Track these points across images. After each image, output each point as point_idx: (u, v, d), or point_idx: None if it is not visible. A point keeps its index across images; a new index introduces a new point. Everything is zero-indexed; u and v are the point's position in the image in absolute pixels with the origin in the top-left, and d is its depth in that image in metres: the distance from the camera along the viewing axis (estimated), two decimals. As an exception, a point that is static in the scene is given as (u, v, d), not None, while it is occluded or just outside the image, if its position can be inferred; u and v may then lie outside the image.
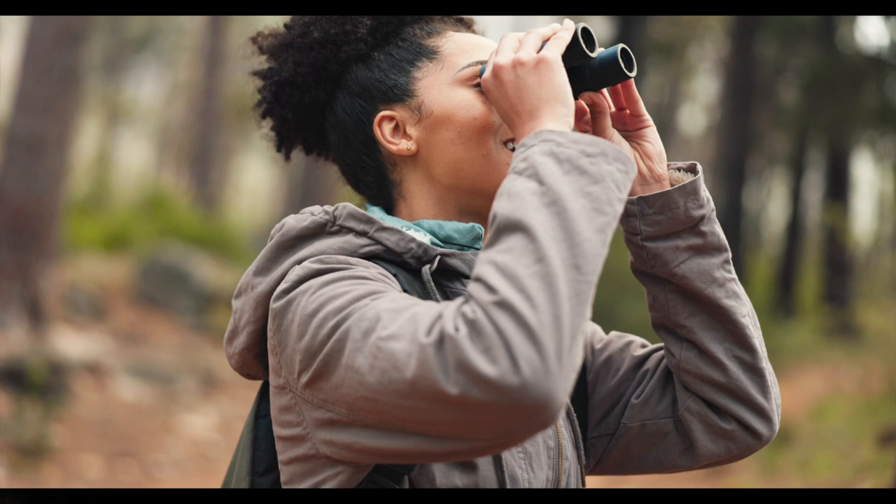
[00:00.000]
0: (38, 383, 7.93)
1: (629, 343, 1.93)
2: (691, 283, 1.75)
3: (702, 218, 1.75)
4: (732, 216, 16.95)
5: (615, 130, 1.78)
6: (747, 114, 17.82)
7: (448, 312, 1.39)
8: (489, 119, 1.75)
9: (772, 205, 32.21)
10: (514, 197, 1.45)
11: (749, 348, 1.75)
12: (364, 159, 1.85)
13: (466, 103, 1.74)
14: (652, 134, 1.79)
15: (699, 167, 1.78)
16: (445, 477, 1.61)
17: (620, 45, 1.71)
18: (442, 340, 1.37)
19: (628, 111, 1.79)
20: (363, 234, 1.70)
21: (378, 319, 1.45)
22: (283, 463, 1.65)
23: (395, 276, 1.67)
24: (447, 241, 1.77)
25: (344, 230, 1.70)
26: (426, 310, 1.43)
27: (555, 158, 1.48)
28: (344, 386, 1.46)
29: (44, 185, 10.30)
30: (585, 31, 1.70)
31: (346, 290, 1.53)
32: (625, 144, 1.77)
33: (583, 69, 1.71)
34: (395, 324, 1.43)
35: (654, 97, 15.59)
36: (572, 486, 1.77)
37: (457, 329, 1.36)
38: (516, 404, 1.33)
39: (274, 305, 1.60)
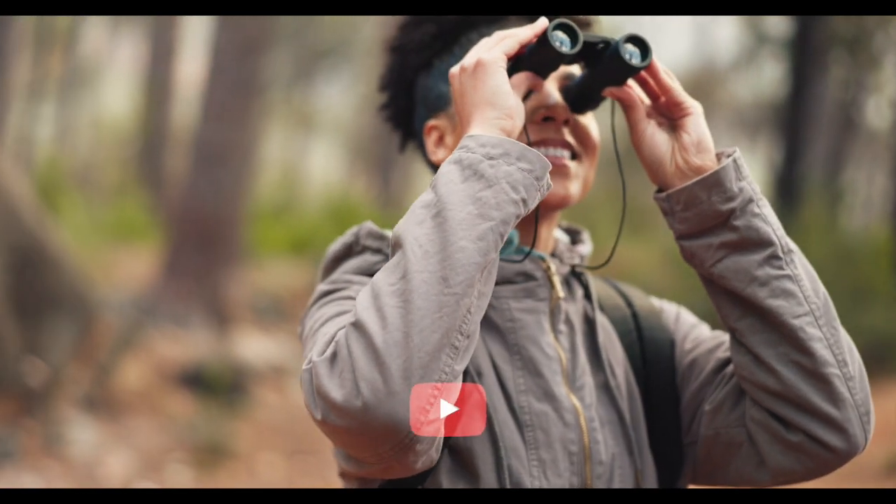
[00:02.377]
0: (221, 385, 8.14)
1: (719, 344, 1.79)
2: (729, 282, 1.61)
3: (731, 212, 1.59)
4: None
5: (651, 122, 1.67)
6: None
7: (338, 334, 1.43)
8: None
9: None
10: (409, 211, 1.47)
11: (806, 352, 1.58)
12: (429, 168, 1.85)
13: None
14: (690, 122, 1.65)
15: (732, 155, 1.63)
16: (451, 484, 1.61)
17: (625, 36, 1.63)
18: (311, 366, 1.42)
19: (664, 100, 1.68)
20: (378, 251, 1.72)
21: (315, 341, 1.50)
22: None
23: None
24: None
25: (364, 249, 1.73)
26: (331, 329, 1.48)
27: (459, 165, 1.48)
28: None
29: (228, 193, 10.60)
30: (564, 27, 1.61)
31: (326, 312, 1.59)
32: (657, 137, 1.66)
33: (597, 65, 1.66)
34: (313, 347, 1.47)
35: (838, 92, 15.05)
36: None
37: (321, 353, 1.41)
38: (363, 428, 1.36)
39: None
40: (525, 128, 1.67)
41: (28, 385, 7.02)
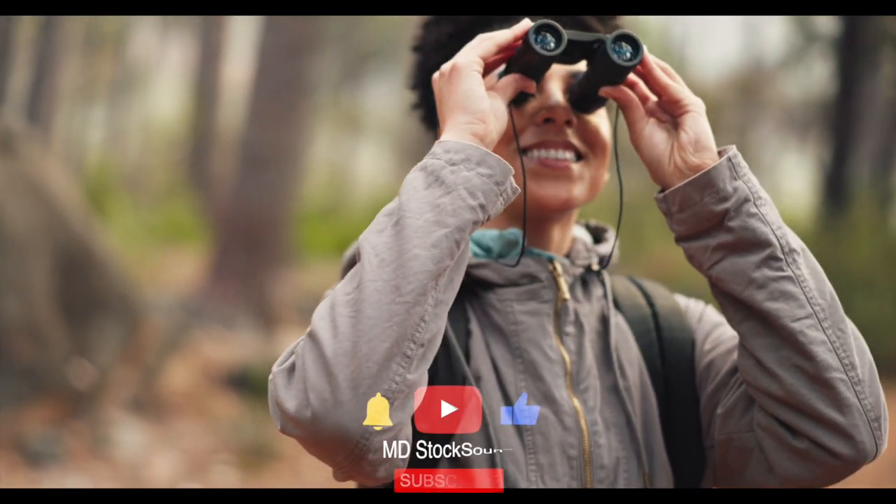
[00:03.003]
0: (267, 386, 8.13)
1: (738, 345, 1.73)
2: (727, 285, 1.55)
3: (725, 213, 1.53)
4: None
5: (650, 121, 1.63)
6: None
7: (298, 345, 1.44)
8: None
9: None
10: (375, 219, 1.47)
11: (807, 356, 1.50)
12: None
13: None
14: (688, 120, 1.59)
15: (728, 153, 1.57)
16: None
17: (614, 34, 1.59)
18: (272, 376, 1.44)
19: (663, 98, 1.64)
20: None
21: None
22: None
23: None
24: (489, 250, 1.76)
25: None
26: (299, 339, 1.47)
27: (424, 172, 1.48)
28: None
29: (275, 194, 10.63)
30: (547, 27, 1.57)
31: None
32: (655, 136, 1.62)
33: (593, 64, 1.63)
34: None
35: (888, 91, 14.88)
36: None
37: (282, 364, 1.43)
38: (314, 438, 1.38)
39: None
40: (515, 131, 1.67)
41: (75, 387, 7.06)
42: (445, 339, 1.65)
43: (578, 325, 1.73)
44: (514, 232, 1.75)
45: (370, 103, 35.01)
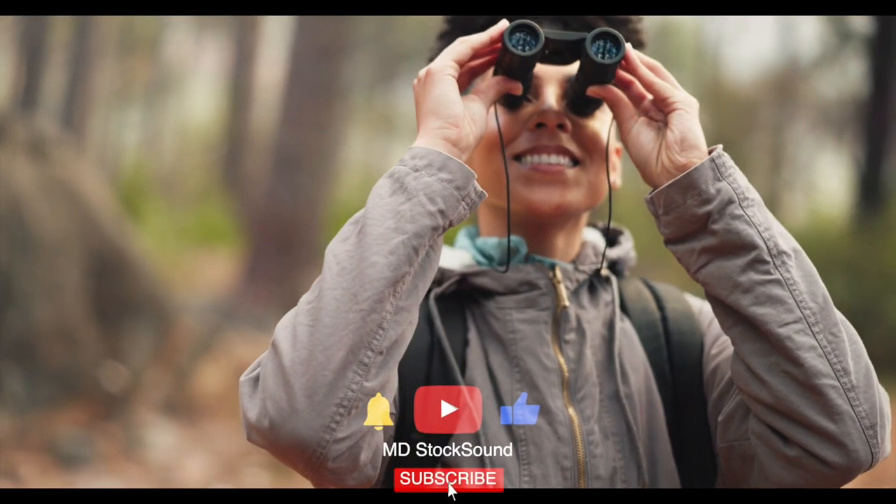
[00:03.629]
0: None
1: None
2: (714, 289, 1.51)
3: (708, 215, 1.49)
4: None
5: (640, 121, 1.59)
6: None
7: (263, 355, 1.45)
8: (494, 132, 1.69)
9: None
10: (343, 227, 1.48)
11: (795, 362, 1.45)
12: None
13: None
14: (675, 118, 1.54)
15: (713, 153, 1.52)
16: None
17: (594, 32, 1.57)
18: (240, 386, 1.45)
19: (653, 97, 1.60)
20: None
21: None
22: None
23: None
24: (491, 259, 1.75)
25: None
26: None
27: (391, 179, 1.48)
28: None
29: (308, 196, 10.66)
30: (524, 27, 1.56)
31: None
32: (643, 136, 1.58)
33: (580, 64, 1.61)
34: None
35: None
36: None
37: (249, 373, 1.44)
38: (274, 447, 1.38)
39: None
40: (500, 136, 1.67)
41: (107, 390, 7.09)
42: (441, 349, 1.65)
43: (580, 331, 1.70)
44: (514, 239, 1.74)
45: (404, 104, 35.01)
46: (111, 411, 7.04)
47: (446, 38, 1.79)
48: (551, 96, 1.69)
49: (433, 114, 1.53)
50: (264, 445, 1.40)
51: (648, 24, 1.83)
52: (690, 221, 1.51)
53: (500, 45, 1.57)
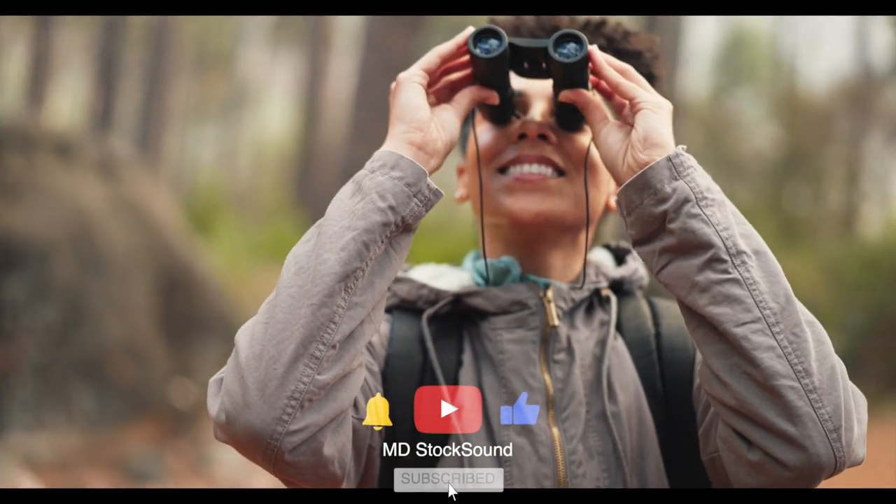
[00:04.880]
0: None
1: None
2: (674, 291, 1.49)
3: (664, 214, 1.47)
4: None
5: (610, 124, 1.58)
6: None
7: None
8: (484, 149, 1.73)
9: None
10: (308, 231, 1.52)
11: (752, 362, 1.41)
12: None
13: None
14: (639, 118, 1.53)
15: (669, 150, 1.50)
16: None
17: (556, 34, 1.58)
18: None
19: (621, 98, 1.60)
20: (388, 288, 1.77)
21: None
22: None
23: (392, 323, 1.74)
24: (486, 279, 1.76)
25: None
26: None
27: (353, 182, 1.52)
28: None
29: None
30: (488, 32, 1.59)
31: None
32: (611, 137, 1.56)
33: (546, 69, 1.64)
34: None
35: None
36: None
37: (218, 375, 1.46)
38: (231, 441, 1.42)
39: None
40: (476, 145, 1.72)
41: (176, 406, 7.17)
42: (431, 371, 1.67)
43: (570, 351, 1.69)
44: (505, 260, 1.74)
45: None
46: (180, 428, 7.11)
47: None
48: (537, 110, 1.71)
49: (399, 119, 1.57)
50: (225, 440, 1.43)
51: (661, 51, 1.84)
52: (649, 221, 1.49)
53: (464, 50, 1.61)
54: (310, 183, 18.85)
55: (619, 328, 1.75)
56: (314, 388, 1.41)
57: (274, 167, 26.44)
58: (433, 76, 1.63)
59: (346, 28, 19.98)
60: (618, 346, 1.73)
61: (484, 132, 1.74)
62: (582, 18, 1.80)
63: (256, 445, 1.40)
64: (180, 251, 7.75)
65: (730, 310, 1.43)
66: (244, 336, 1.44)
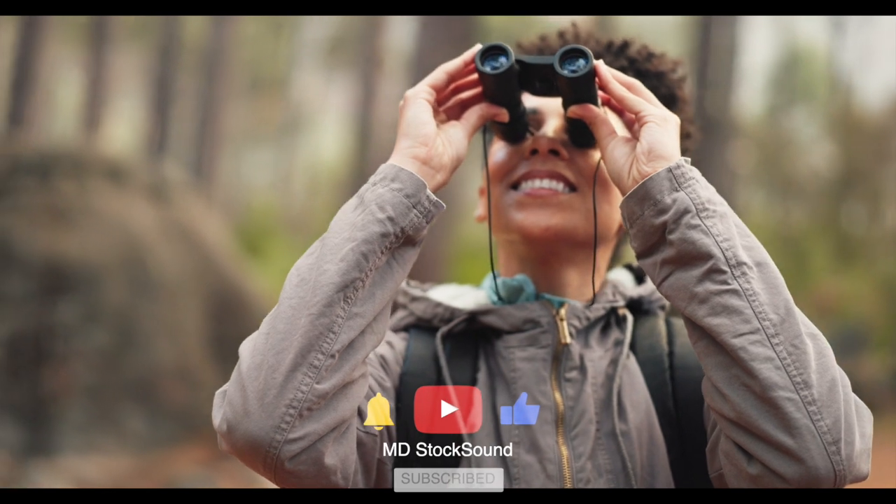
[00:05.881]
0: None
1: None
2: (674, 302, 1.48)
3: (664, 226, 1.47)
4: None
5: (617, 138, 1.58)
6: None
7: None
8: (496, 166, 1.75)
9: None
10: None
11: (750, 373, 1.41)
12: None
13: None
14: (644, 131, 1.54)
15: (672, 163, 1.50)
16: None
17: (561, 50, 1.59)
18: None
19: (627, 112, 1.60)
20: (403, 306, 1.80)
21: None
22: None
23: (409, 341, 1.75)
24: (500, 297, 1.77)
25: (399, 305, 1.80)
26: None
27: (357, 195, 1.54)
28: None
29: (432, 233, 10.60)
30: (496, 49, 1.61)
31: None
32: (617, 151, 1.56)
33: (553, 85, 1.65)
34: None
35: None
36: None
37: (225, 386, 1.49)
38: (233, 449, 1.43)
39: None
40: (486, 159, 1.73)
41: (226, 428, 7.20)
42: (445, 388, 1.66)
43: (582, 370, 1.68)
44: (519, 278, 1.75)
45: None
46: (230, 450, 7.14)
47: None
48: (549, 127, 1.72)
49: (404, 134, 1.59)
50: (228, 450, 1.45)
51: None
52: (650, 233, 1.49)
53: (471, 68, 1.63)
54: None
55: (633, 347, 1.74)
56: (313, 397, 1.42)
57: (327, 190, 26.57)
58: (442, 94, 1.65)
59: (398, 50, 20.08)
60: (630, 364, 1.72)
61: (498, 150, 1.75)
62: (605, 40, 1.82)
63: (256, 454, 1.41)
64: (231, 274, 7.81)
65: (728, 321, 1.43)
66: (247, 347, 1.46)
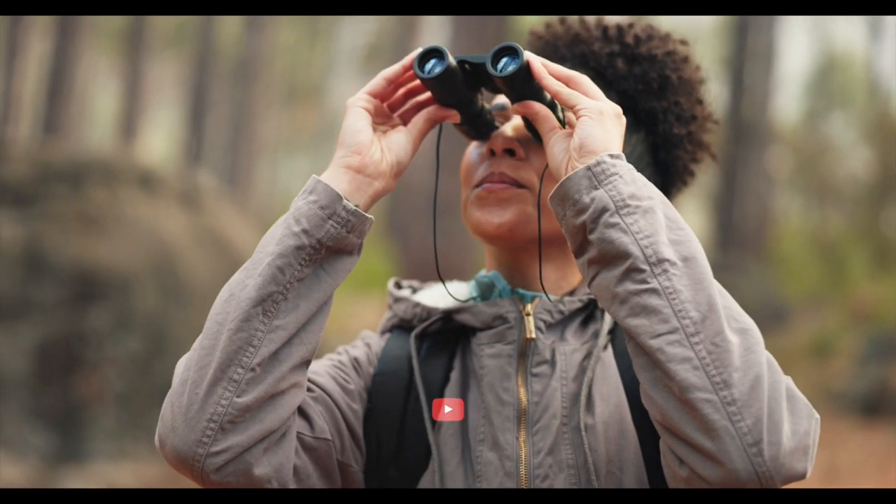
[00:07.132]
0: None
1: None
2: (601, 303, 1.46)
3: (583, 225, 1.44)
4: None
5: (558, 133, 1.54)
6: None
7: None
8: (465, 167, 1.76)
9: None
10: None
11: (668, 375, 1.38)
12: None
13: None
14: (578, 125, 1.50)
15: (595, 159, 1.46)
16: None
17: (494, 49, 1.56)
18: None
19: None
20: (389, 307, 1.82)
21: None
22: None
23: (388, 342, 1.77)
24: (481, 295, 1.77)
25: (387, 307, 1.83)
26: None
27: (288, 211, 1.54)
28: None
29: (460, 240, 10.67)
30: (433, 52, 1.58)
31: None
32: (556, 147, 1.53)
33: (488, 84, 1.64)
34: None
35: None
36: None
37: None
38: (168, 462, 1.46)
39: None
40: (437, 162, 1.76)
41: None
42: (414, 386, 1.69)
43: (552, 363, 1.66)
44: (491, 275, 1.75)
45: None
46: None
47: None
48: (510, 125, 1.71)
49: (340, 143, 1.58)
50: (167, 462, 1.47)
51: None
52: (574, 233, 1.47)
53: (410, 72, 1.61)
54: (398, 213, 18.95)
55: (613, 340, 1.71)
56: (233, 411, 1.43)
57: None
58: (387, 100, 1.64)
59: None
60: (605, 357, 1.69)
61: (472, 150, 1.75)
62: (606, 23, 1.82)
63: (184, 467, 1.45)
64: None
65: (647, 321, 1.41)
66: (181, 363, 1.48)
